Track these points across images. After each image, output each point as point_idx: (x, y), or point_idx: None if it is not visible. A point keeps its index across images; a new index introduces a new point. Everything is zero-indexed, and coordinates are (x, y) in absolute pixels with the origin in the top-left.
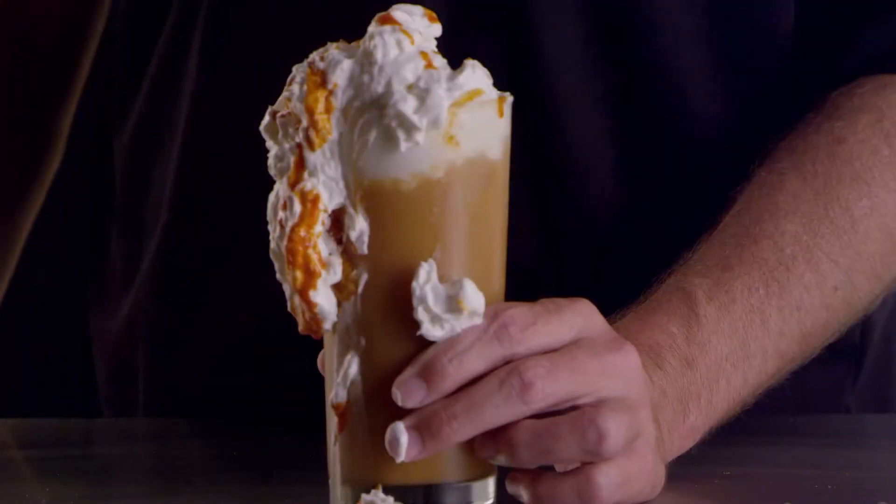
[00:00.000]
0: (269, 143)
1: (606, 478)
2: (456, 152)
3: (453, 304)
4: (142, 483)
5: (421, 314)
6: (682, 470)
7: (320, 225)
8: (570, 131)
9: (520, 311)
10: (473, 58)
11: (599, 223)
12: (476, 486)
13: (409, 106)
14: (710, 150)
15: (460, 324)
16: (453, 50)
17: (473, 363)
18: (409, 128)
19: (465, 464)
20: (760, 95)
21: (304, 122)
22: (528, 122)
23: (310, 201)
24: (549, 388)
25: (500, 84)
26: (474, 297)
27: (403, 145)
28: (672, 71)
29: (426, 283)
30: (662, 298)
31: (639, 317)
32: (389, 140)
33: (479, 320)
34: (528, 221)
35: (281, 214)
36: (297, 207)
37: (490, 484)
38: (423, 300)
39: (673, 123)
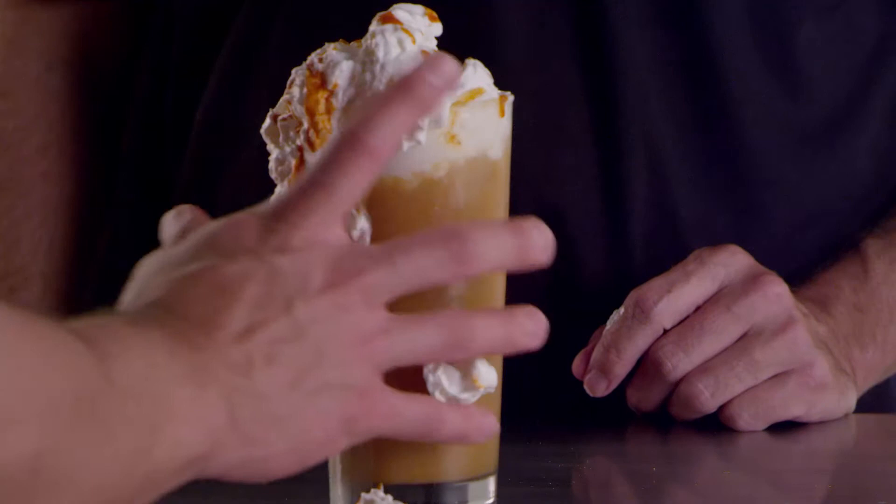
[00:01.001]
0: (271, 147)
1: (822, 369)
2: (458, 151)
3: (469, 383)
4: None
5: (439, 398)
6: (682, 469)
7: None
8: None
9: (651, 286)
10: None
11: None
12: (477, 486)
13: None
14: (760, 135)
15: (476, 397)
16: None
17: (629, 348)
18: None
19: (466, 463)
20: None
21: (305, 124)
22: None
23: None
24: (685, 363)
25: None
26: (487, 373)
27: (405, 144)
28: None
29: (437, 368)
30: (837, 256)
31: (812, 275)
32: None
33: (493, 391)
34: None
35: None
36: None
37: (490, 483)
38: (438, 385)
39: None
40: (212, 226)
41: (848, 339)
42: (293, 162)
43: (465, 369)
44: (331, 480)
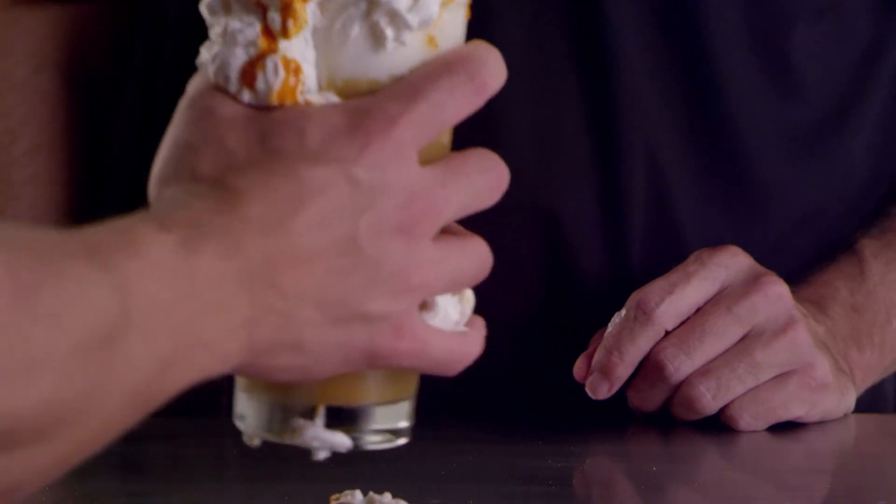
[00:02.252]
0: (216, 18)
1: (823, 369)
2: (433, 55)
3: (464, 307)
4: (142, 481)
5: (439, 325)
6: (682, 469)
7: (301, 93)
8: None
9: (652, 288)
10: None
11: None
12: (394, 408)
13: (402, 4)
14: (754, 135)
15: (465, 321)
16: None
17: (631, 350)
18: (400, 26)
19: (382, 386)
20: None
21: (274, 8)
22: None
23: (292, 70)
24: (686, 365)
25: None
26: (472, 295)
27: (390, 45)
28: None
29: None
30: (833, 257)
31: (808, 276)
32: (374, 38)
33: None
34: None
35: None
36: (281, 72)
37: (406, 406)
38: (444, 311)
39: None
40: (304, 113)
41: (846, 339)
42: (258, 27)
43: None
44: (238, 389)
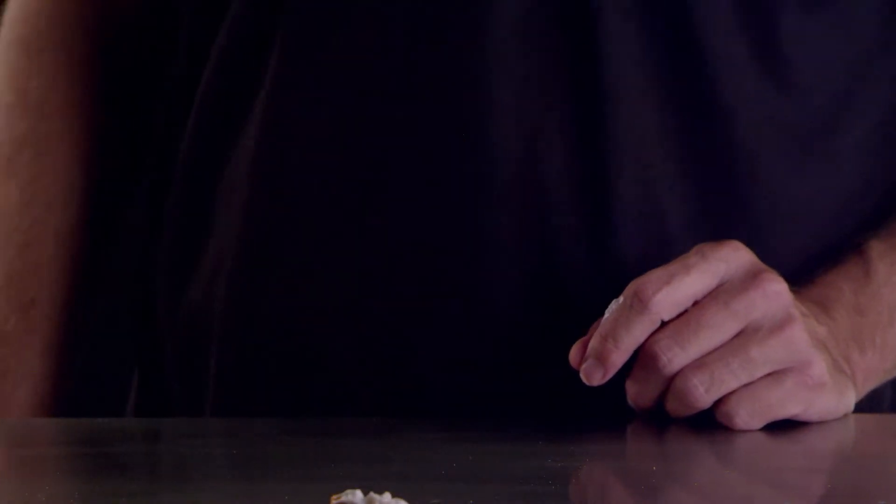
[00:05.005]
0: None
1: (820, 368)
2: None
3: None
4: (142, 481)
5: None
6: (681, 469)
7: None
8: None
9: (651, 276)
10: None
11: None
12: None
13: None
14: (753, 136)
15: None
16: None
17: (626, 337)
18: None
19: None
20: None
21: None
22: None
23: None
24: (680, 357)
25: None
26: None
27: None
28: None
29: None
30: (839, 258)
31: (814, 277)
32: None
33: None
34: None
35: None
36: None
37: None
38: None
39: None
40: None
41: (847, 341)
42: None
43: None
44: None
